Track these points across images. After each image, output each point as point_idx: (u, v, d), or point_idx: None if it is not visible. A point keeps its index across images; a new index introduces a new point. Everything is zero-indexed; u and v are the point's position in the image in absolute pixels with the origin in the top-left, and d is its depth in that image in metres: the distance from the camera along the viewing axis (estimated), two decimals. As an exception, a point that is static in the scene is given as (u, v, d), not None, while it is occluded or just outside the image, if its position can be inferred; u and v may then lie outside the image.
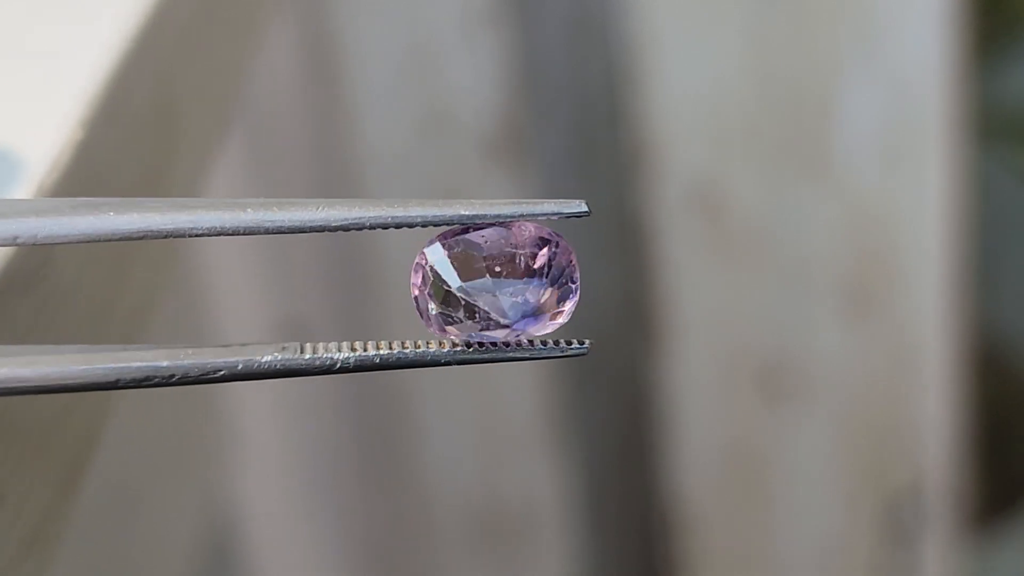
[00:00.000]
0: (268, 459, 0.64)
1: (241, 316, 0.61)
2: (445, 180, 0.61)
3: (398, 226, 0.17)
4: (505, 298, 0.17)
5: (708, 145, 0.61)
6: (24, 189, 0.21)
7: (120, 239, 0.17)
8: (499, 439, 0.64)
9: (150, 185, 0.25)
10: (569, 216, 0.17)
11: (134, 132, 0.25)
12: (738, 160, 0.61)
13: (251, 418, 0.62)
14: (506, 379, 0.63)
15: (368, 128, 0.60)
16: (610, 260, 0.64)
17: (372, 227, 0.17)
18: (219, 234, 0.17)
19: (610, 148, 0.63)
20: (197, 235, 0.17)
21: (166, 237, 0.17)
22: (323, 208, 0.17)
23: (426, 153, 0.61)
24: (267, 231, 0.17)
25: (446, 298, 0.17)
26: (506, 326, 0.17)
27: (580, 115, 0.63)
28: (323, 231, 0.17)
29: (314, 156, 0.61)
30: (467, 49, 0.59)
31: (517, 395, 0.63)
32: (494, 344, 0.17)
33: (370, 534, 0.66)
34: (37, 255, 0.20)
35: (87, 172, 0.22)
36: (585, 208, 0.17)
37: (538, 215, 0.17)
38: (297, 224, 0.17)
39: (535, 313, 0.17)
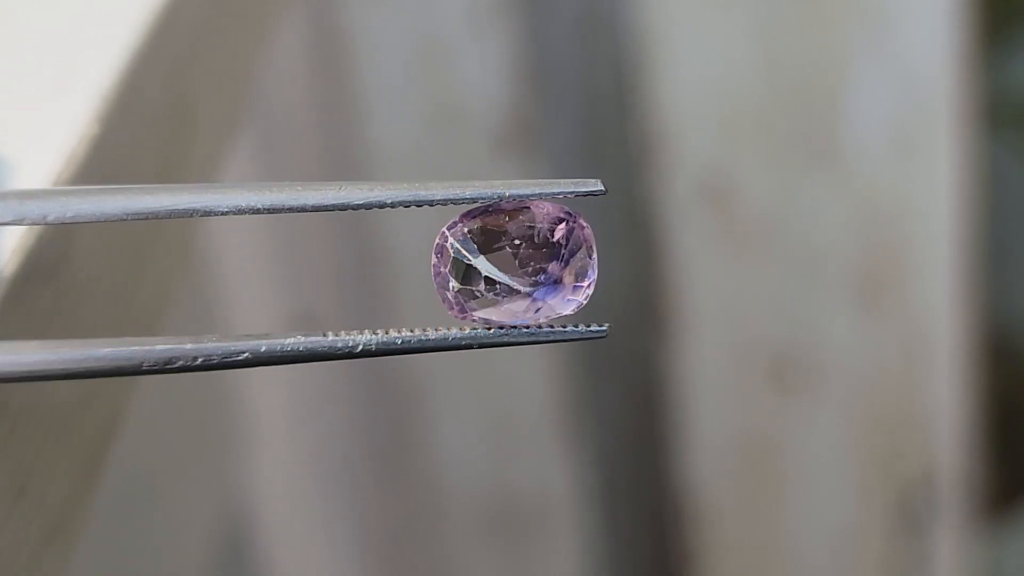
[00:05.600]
0: (282, 452, 0.64)
1: (254, 311, 0.61)
2: (455, 173, 0.61)
3: (418, 204, 0.17)
4: (524, 268, 0.17)
5: (718, 136, 0.61)
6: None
7: (148, 217, 0.17)
8: (511, 431, 0.64)
9: (165, 179, 0.25)
10: (585, 195, 0.17)
11: (149, 127, 0.25)
12: (748, 151, 0.61)
13: (265, 411, 0.63)
14: (518, 371, 0.63)
15: (377, 122, 0.60)
16: (621, 251, 0.64)
17: (392, 206, 0.17)
18: (244, 211, 0.17)
19: (619, 140, 0.63)
20: (223, 213, 0.17)
21: (192, 215, 0.17)
22: (344, 188, 0.17)
23: (436, 146, 0.61)
24: (290, 209, 0.17)
25: (467, 272, 0.17)
26: (526, 295, 0.17)
27: (589, 107, 0.63)
28: (344, 209, 0.17)
29: (324, 150, 0.61)
30: (476, 42, 0.60)
31: (529, 387, 0.64)
32: (514, 327, 0.17)
33: (383, 525, 0.66)
34: (58, 245, 0.21)
35: (103, 166, 0.22)
36: (601, 187, 0.17)
37: (555, 194, 0.17)
38: (319, 203, 0.17)
39: (554, 283, 0.17)
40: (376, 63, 0.60)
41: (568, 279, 0.17)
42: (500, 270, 0.17)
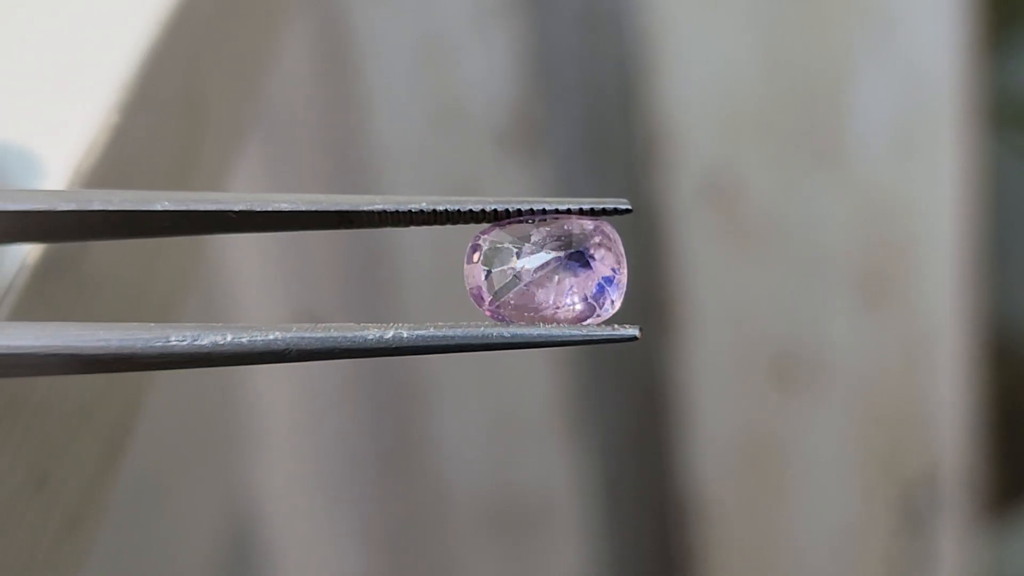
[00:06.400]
0: (287, 451, 0.64)
1: (257, 311, 0.61)
2: (459, 173, 0.61)
3: (448, 218, 0.17)
4: (556, 243, 0.18)
5: (721, 135, 0.61)
6: (50, 181, 0.21)
7: (208, 210, 0.17)
8: (515, 429, 0.64)
9: (181, 169, 0.26)
10: (612, 212, 0.18)
11: (165, 119, 0.25)
12: (751, 150, 0.61)
13: (271, 411, 0.63)
14: (521, 369, 0.63)
15: (382, 121, 0.60)
16: (624, 250, 0.64)
17: (423, 221, 0.17)
18: (280, 221, 0.17)
19: (623, 139, 0.63)
20: (257, 214, 0.17)
21: (245, 223, 0.17)
22: (378, 202, 0.17)
23: (440, 146, 0.61)
24: (333, 215, 0.17)
25: (500, 254, 0.18)
26: (556, 263, 0.17)
27: (593, 107, 0.63)
28: (375, 226, 0.17)
29: (329, 149, 0.61)
30: (480, 42, 0.60)
31: (532, 385, 0.64)
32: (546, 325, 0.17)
33: (387, 524, 0.66)
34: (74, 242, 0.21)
35: (122, 156, 0.22)
36: (627, 205, 0.18)
37: (581, 209, 0.18)
38: (352, 209, 0.17)
39: (584, 256, 0.18)
40: (380, 62, 0.60)
41: (597, 255, 0.18)
42: (533, 246, 0.18)
